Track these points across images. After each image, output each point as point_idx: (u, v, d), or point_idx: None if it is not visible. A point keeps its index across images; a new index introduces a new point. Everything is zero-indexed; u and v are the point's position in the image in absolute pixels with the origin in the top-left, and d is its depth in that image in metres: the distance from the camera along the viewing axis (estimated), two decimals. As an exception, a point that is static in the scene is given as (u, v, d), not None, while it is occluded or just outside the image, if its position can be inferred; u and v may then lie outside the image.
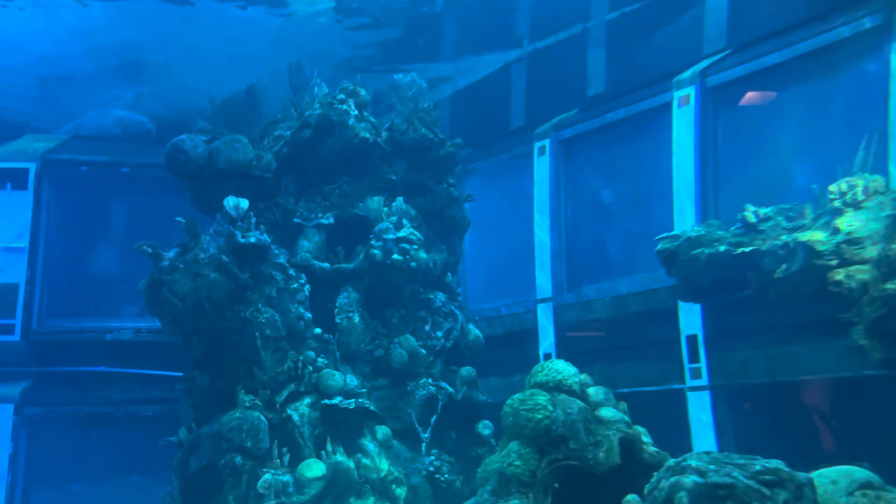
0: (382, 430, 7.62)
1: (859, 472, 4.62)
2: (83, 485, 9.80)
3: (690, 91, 7.78)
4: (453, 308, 8.39)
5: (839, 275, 5.61)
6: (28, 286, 10.02)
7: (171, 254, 7.62)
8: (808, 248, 5.88)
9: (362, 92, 8.71)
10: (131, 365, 10.09)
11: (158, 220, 9.62)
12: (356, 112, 8.49)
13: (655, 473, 4.79)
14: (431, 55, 10.17)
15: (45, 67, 10.05)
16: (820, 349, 6.32)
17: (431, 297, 8.29)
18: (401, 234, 8.07)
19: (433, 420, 7.78)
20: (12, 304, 9.87)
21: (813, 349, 6.40)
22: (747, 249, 6.30)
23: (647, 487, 4.72)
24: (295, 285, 7.87)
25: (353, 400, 7.45)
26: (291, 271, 7.92)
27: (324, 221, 8.27)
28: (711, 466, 4.39)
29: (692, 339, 7.37)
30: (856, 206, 5.85)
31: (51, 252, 10.46)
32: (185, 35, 9.44)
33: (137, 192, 11.00)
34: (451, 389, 7.97)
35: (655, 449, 5.92)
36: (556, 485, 5.63)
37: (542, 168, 9.42)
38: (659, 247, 6.97)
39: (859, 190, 5.89)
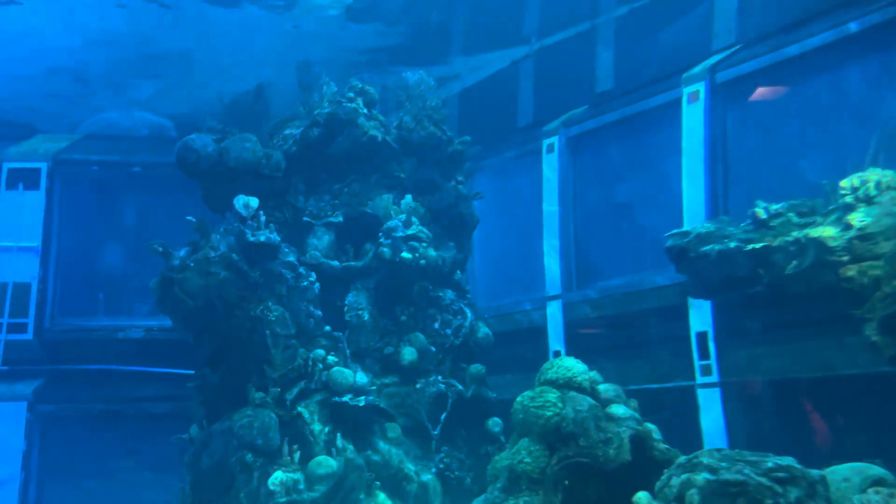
0: (392, 428, 7.65)
1: (872, 470, 4.59)
2: (96, 481, 9.88)
3: (700, 87, 7.75)
4: (462, 305, 8.40)
5: (851, 271, 5.57)
6: (40, 285, 10.10)
7: (182, 252, 7.67)
8: (819, 244, 5.84)
9: (371, 90, 8.74)
10: (143, 363, 10.15)
11: (169, 218, 9.68)
12: (365, 110, 8.52)
13: (666, 471, 4.79)
14: (440, 53, 10.16)
15: (56, 67, 10.10)
16: (832, 346, 6.28)
17: (440, 294, 8.30)
18: (410, 231, 8.10)
19: (443, 417, 7.79)
20: (25, 302, 9.95)
21: (824, 346, 6.36)
22: (758, 246, 6.26)
23: (657, 485, 4.72)
24: (305, 283, 7.90)
25: (363, 397, 7.48)
26: (301, 269, 7.95)
27: (333, 220, 8.30)
28: (723, 463, 4.38)
29: (702, 336, 7.34)
30: (868, 201, 5.80)
31: (63, 251, 10.53)
32: (195, 35, 9.47)
33: (148, 192, 11.06)
34: (460, 387, 7.99)
35: (666, 446, 5.90)
36: (567, 482, 5.63)
37: (550, 165, 9.41)
38: (668, 243, 6.94)
39: (871, 185, 5.84)
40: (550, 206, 9.32)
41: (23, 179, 10.23)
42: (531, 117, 10.15)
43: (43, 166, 10.33)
